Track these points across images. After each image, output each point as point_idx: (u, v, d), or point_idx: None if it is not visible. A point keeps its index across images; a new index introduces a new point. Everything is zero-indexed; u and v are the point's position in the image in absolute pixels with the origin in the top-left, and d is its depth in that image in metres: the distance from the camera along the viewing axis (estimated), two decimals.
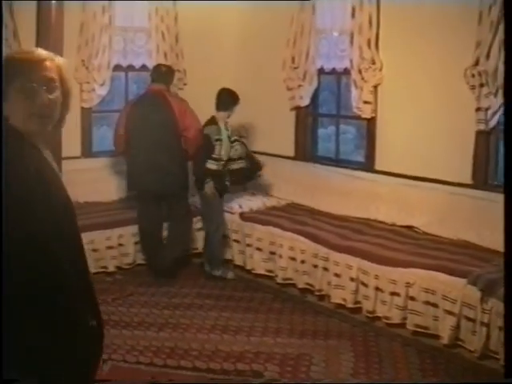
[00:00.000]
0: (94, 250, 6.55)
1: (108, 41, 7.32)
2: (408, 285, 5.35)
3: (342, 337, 5.45)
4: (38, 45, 5.82)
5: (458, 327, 5.04)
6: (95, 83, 7.31)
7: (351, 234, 6.26)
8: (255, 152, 7.66)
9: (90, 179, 7.35)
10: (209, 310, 5.97)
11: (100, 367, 4.61)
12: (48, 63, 2.25)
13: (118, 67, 7.58)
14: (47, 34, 5.71)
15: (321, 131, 8.41)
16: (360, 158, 7.59)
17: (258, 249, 6.72)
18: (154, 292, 6.35)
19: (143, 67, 7.75)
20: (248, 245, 6.84)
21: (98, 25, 7.22)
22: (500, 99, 5.73)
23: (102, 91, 7.41)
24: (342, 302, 5.86)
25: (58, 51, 5.85)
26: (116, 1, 7.32)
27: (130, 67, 7.74)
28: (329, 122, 8.63)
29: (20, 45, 6.72)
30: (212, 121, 6.77)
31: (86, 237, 6.34)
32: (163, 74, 6.85)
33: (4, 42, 6.59)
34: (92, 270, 6.48)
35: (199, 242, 7.14)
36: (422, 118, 6.44)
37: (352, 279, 5.77)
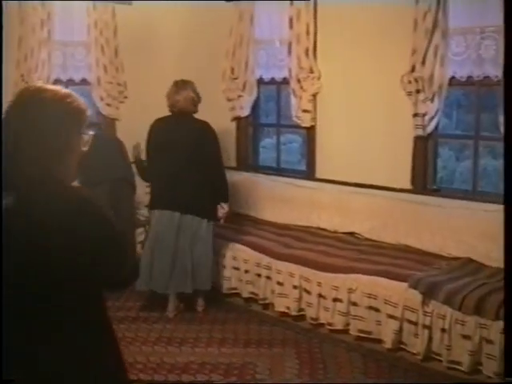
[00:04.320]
0: None
1: (47, 55, 7.23)
2: (350, 290, 5.37)
3: (286, 344, 5.45)
4: None
5: (400, 331, 5.08)
6: None
7: (293, 242, 6.28)
8: None
9: None
10: (154, 323, 5.92)
11: None
12: None
13: (58, 81, 7.49)
14: None
15: (267, 141, 8.42)
16: (304, 166, 7.62)
17: None
18: None
19: (83, 81, 7.69)
20: None
21: (36, 39, 7.12)
22: (436, 104, 5.83)
23: None
24: (286, 310, 5.87)
25: None
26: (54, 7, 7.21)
27: (71, 81, 7.65)
28: (275, 132, 8.66)
29: None
30: None
31: None
32: None
33: None
34: None
35: None
36: (361, 125, 6.50)
37: (295, 287, 5.78)
